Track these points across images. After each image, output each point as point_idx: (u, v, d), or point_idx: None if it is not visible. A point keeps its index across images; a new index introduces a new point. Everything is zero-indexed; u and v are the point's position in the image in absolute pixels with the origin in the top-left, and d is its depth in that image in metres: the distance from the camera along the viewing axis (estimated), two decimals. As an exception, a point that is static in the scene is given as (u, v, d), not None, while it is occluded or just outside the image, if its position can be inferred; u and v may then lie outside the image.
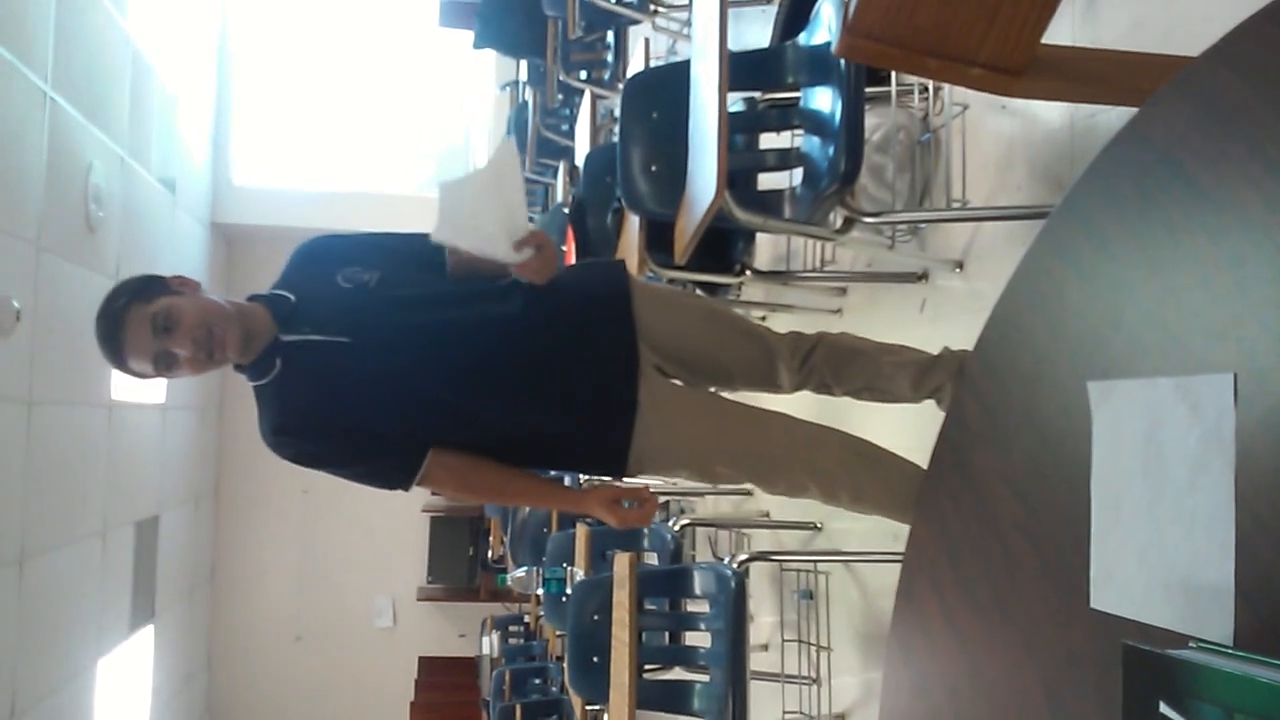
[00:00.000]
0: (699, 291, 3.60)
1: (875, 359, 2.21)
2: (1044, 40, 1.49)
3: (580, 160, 4.02)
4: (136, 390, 7.41)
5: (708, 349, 2.22)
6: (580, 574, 3.47)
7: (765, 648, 3.83)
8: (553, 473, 2.79)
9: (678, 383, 2.23)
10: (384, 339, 1.99)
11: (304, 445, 2.06)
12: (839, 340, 2.25)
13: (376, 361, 1.99)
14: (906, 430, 2.29)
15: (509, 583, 6.67)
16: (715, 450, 2.16)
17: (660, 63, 3.09)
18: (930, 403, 2.23)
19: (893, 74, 2.68)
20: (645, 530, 3.46)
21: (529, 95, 6.94)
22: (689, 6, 4.47)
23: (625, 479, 2.25)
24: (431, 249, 2.13)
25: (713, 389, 2.33)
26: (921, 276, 2.82)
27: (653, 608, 2.89)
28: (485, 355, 2.02)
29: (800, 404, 2.42)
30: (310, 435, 2.05)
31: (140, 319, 1.88)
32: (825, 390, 2.24)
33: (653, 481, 4.41)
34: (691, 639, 2.99)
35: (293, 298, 2.04)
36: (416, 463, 2.05)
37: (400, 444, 2.06)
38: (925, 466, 1.07)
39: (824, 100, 2.18)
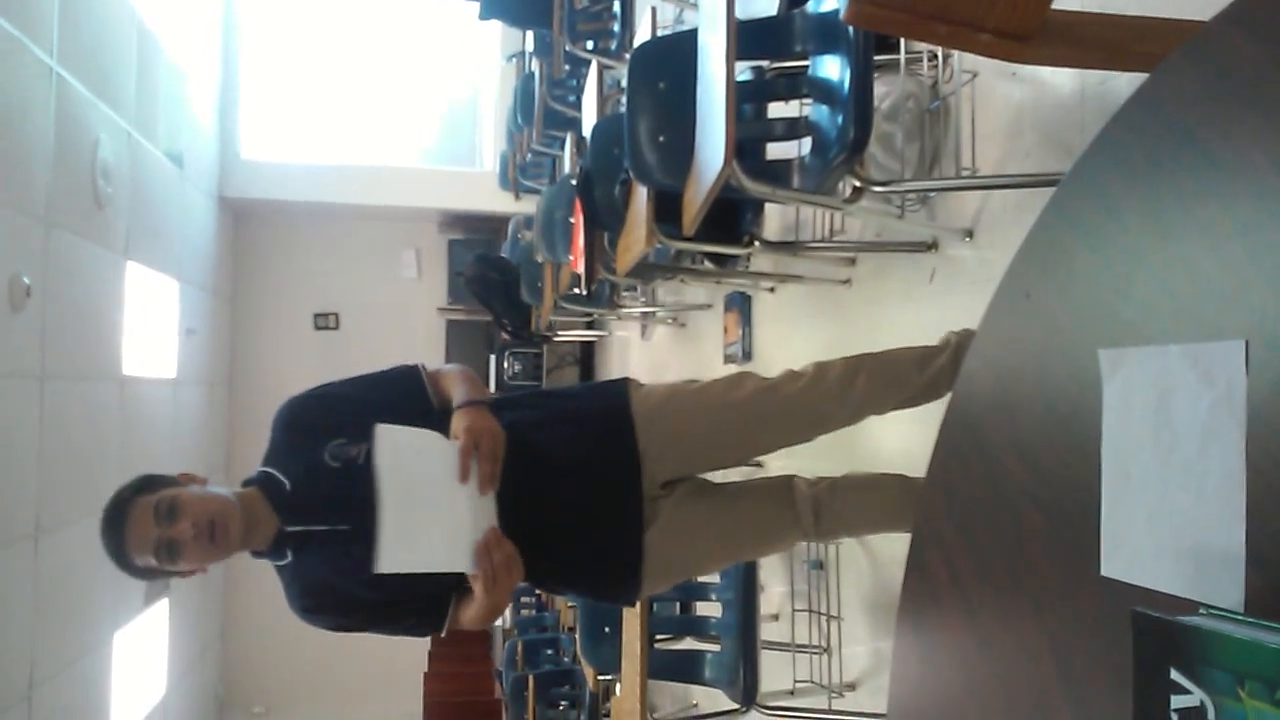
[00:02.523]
0: (708, 263, 3.59)
1: (913, 379, 2.17)
2: (1054, 5, 1.48)
3: (587, 131, 4.00)
4: (148, 365, 7.44)
5: (730, 447, 2.21)
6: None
7: (776, 618, 3.85)
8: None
9: (679, 488, 2.20)
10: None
11: (334, 620, 2.07)
12: (875, 371, 2.17)
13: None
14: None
15: (520, 554, 6.69)
16: (718, 559, 2.27)
17: (667, 32, 3.08)
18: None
19: (901, 41, 2.66)
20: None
21: (535, 66, 6.90)
22: (696, -25, 4.44)
23: None
24: (414, 389, 2.09)
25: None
26: (931, 246, 2.81)
27: (663, 578, 2.90)
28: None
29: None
30: (336, 612, 2.06)
31: (143, 509, 1.85)
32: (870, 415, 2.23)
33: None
34: (702, 609, 3.01)
35: (287, 484, 2.00)
36: (442, 614, 2.05)
37: (423, 602, 2.06)
38: (934, 435, 1.07)
39: (832, 68, 2.16)
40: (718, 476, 2.25)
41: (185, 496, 1.87)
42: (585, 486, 2.04)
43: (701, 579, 2.96)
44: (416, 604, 2.07)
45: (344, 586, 2.01)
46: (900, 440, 2.77)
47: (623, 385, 2.18)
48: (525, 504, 1.93)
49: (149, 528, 1.84)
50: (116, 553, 1.87)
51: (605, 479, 2.04)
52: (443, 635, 2.10)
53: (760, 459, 3.36)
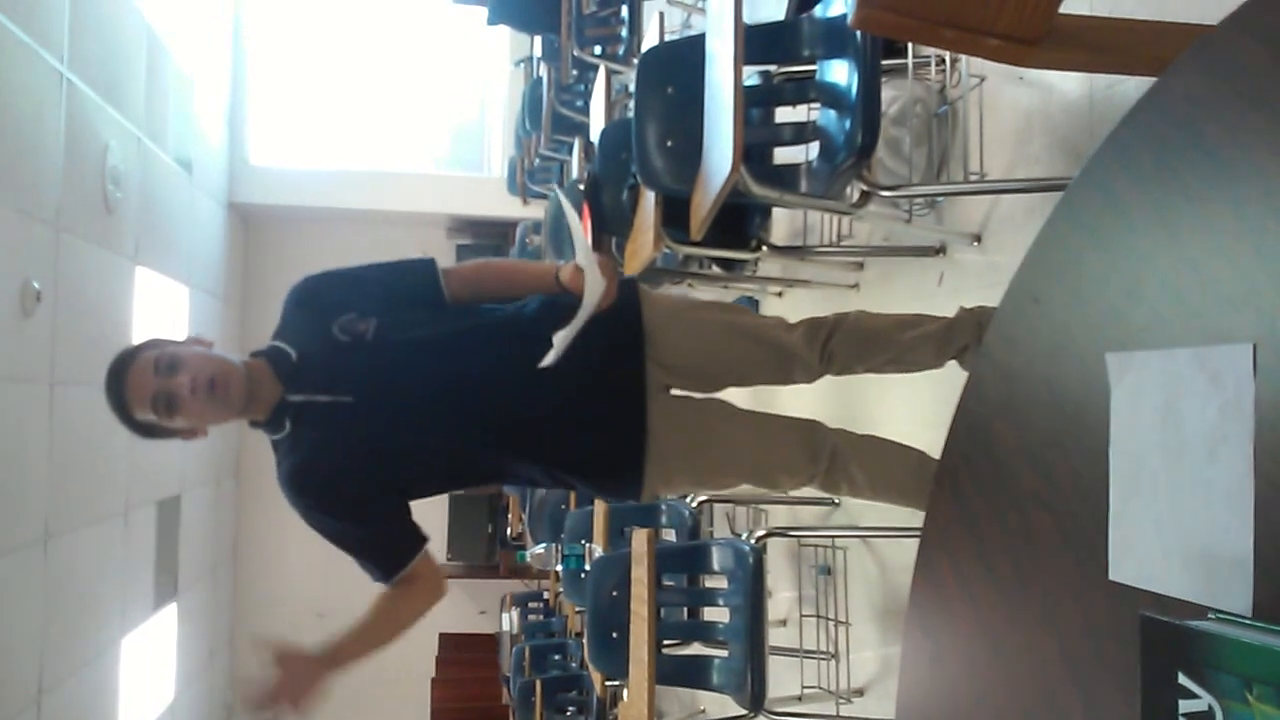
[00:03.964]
0: (716, 268, 3.60)
1: (895, 336, 2.20)
2: (1062, 9, 1.48)
3: (595, 136, 4.00)
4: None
5: (723, 363, 2.23)
6: (599, 550, 3.49)
7: (784, 623, 3.85)
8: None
9: (688, 395, 2.23)
10: (386, 394, 2.00)
11: (315, 502, 2.07)
12: (857, 323, 2.23)
13: (381, 417, 2.00)
14: (923, 403, 2.29)
15: (528, 559, 6.70)
16: (727, 468, 2.20)
17: (675, 37, 3.07)
18: (948, 375, 2.22)
19: (909, 46, 2.66)
20: (663, 506, 3.47)
21: (543, 71, 6.90)
22: (703, -20, 4.44)
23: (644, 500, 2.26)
24: (427, 278, 2.13)
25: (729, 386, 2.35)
26: (939, 250, 2.80)
27: (671, 584, 2.89)
28: (489, 398, 2.02)
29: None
30: (320, 492, 2.06)
31: (145, 362, 1.90)
32: (848, 371, 2.24)
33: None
34: (710, 615, 2.99)
35: (293, 354, 2.03)
36: (404, 560, 2.09)
37: (396, 537, 2.10)
38: (942, 440, 1.06)
39: (840, 73, 2.16)
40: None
41: (186, 353, 1.92)
42: (593, 371, 2.05)
43: (709, 583, 2.95)
44: (387, 526, 2.09)
45: (336, 461, 2.02)
46: (911, 441, 2.76)
47: (632, 281, 2.21)
48: (537, 388, 1.98)
49: (149, 380, 1.88)
50: (118, 405, 1.93)
51: (612, 363, 2.07)
52: (386, 582, 2.11)
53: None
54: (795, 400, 3.60)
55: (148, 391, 1.88)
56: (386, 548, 2.10)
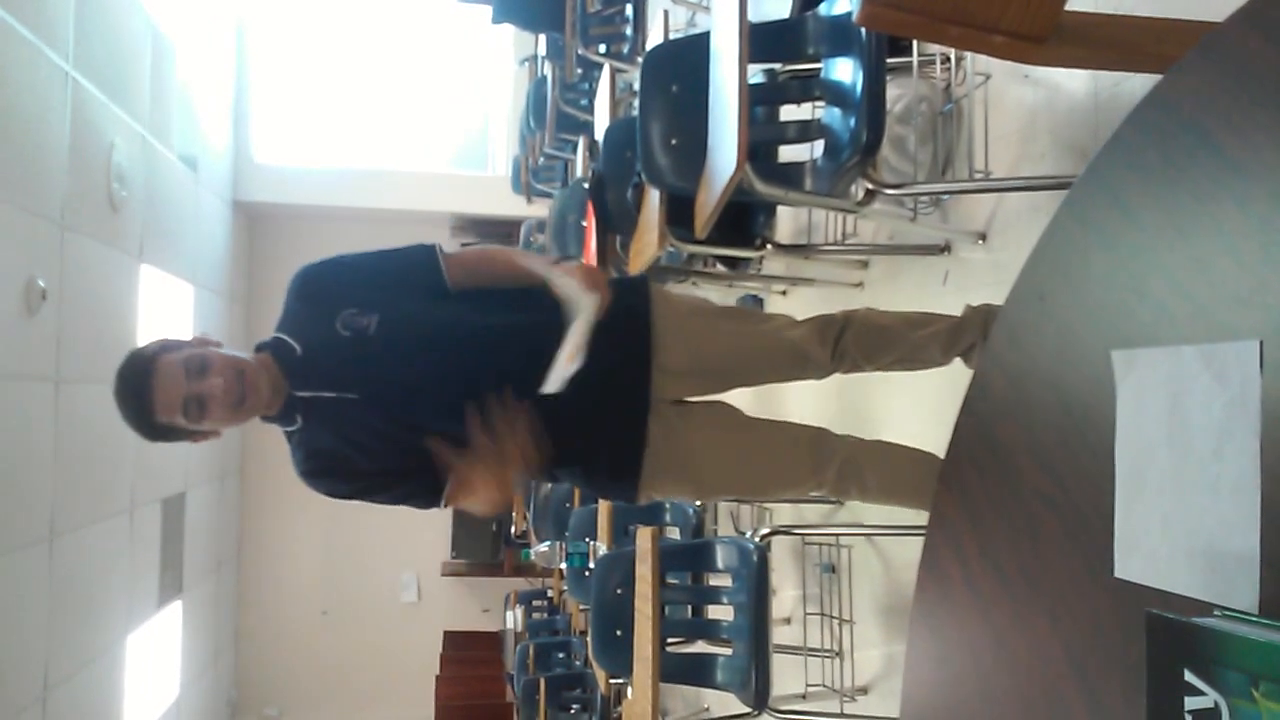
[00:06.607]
0: (720, 266, 3.60)
1: (905, 335, 2.21)
2: (1067, 7, 1.47)
3: (600, 135, 4.00)
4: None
5: (732, 371, 2.24)
6: (603, 548, 3.49)
7: (788, 621, 3.85)
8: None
9: (692, 402, 2.23)
10: (389, 390, 2.02)
11: (335, 486, 2.10)
12: (867, 320, 2.23)
13: (385, 412, 2.02)
14: (928, 402, 2.29)
15: (532, 557, 6.71)
16: (722, 483, 2.26)
17: (680, 35, 3.07)
18: (953, 373, 2.22)
19: (914, 44, 2.65)
20: (666, 505, 3.47)
21: (548, 70, 6.90)
22: (708, -22, 4.43)
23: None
24: (428, 265, 2.15)
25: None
26: (944, 248, 2.80)
27: (675, 582, 2.90)
28: (492, 396, 2.01)
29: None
30: (335, 476, 2.09)
31: (171, 364, 1.88)
32: (856, 369, 2.25)
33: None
34: (714, 613, 3.00)
35: (298, 349, 2.04)
36: (438, 488, 2.08)
37: (418, 475, 2.10)
38: (948, 438, 1.06)
39: (845, 71, 2.16)
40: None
41: (211, 354, 1.91)
42: (598, 379, 2.00)
43: (714, 581, 2.95)
44: (412, 475, 2.09)
45: (346, 454, 2.05)
46: (916, 441, 2.76)
47: (645, 288, 2.20)
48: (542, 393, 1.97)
49: (179, 384, 1.86)
50: (139, 411, 1.90)
51: (618, 374, 2.07)
52: (442, 507, 2.12)
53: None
54: (801, 404, 3.60)
55: (179, 396, 1.87)
56: (423, 484, 2.10)
